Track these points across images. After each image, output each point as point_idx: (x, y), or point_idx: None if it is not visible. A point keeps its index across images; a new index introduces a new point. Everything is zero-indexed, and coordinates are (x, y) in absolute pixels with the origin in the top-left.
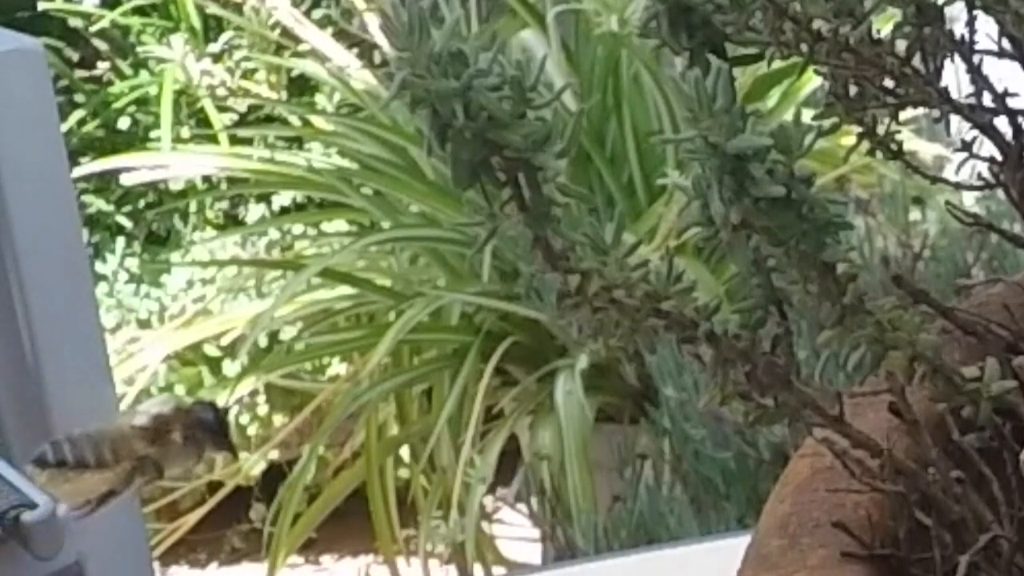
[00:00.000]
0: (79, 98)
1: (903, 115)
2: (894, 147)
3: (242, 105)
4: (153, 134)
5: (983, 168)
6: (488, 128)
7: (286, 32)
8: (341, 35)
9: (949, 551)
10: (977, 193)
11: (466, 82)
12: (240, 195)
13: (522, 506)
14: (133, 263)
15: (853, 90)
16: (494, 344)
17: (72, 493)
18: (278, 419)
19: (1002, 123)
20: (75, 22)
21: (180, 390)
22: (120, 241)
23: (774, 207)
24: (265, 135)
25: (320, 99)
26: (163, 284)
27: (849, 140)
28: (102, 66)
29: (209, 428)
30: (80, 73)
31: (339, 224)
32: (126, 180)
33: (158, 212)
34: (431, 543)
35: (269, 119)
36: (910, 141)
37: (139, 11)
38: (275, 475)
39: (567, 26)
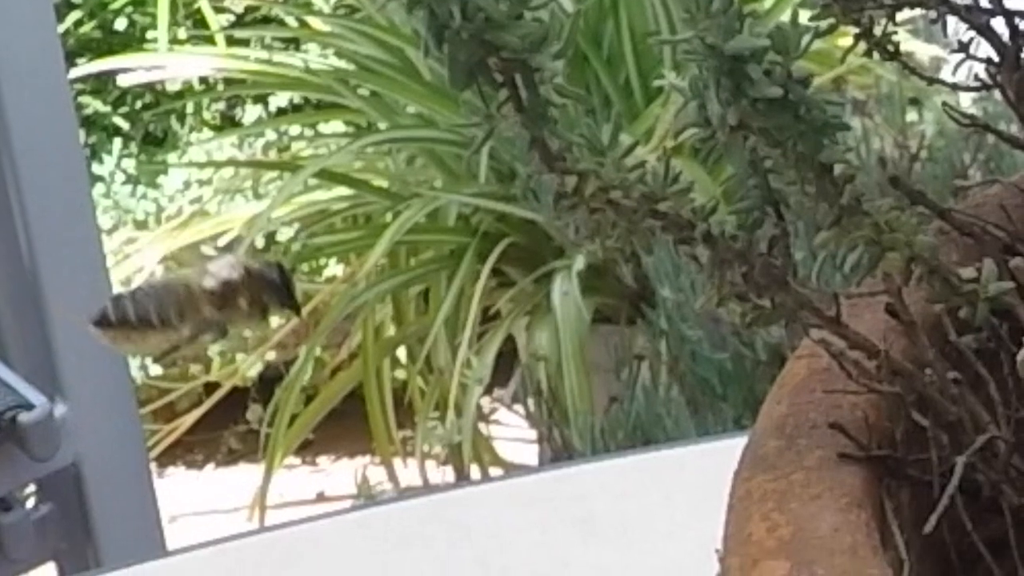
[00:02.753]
0: None
1: (900, 16)
2: (891, 48)
3: (239, 6)
4: (150, 35)
5: (980, 69)
6: (485, 29)
7: None
8: None
9: (946, 452)
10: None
11: None
12: (237, 96)
13: (519, 407)
14: (130, 164)
15: None
16: (491, 245)
17: (133, 350)
18: (275, 320)
19: (999, 24)
20: None
21: None
22: (117, 142)
23: (771, 108)
24: (262, 36)
25: (317, 0)
26: (160, 185)
27: (846, 41)
28: None
29: (275, 289)
30: None
31: (336, 125)
32: (123, 81)
33: (155, 113)
34: (428, 444)
35: (266, 20)
36: (907, 42)
37: None
38: (272, 376)
39: None
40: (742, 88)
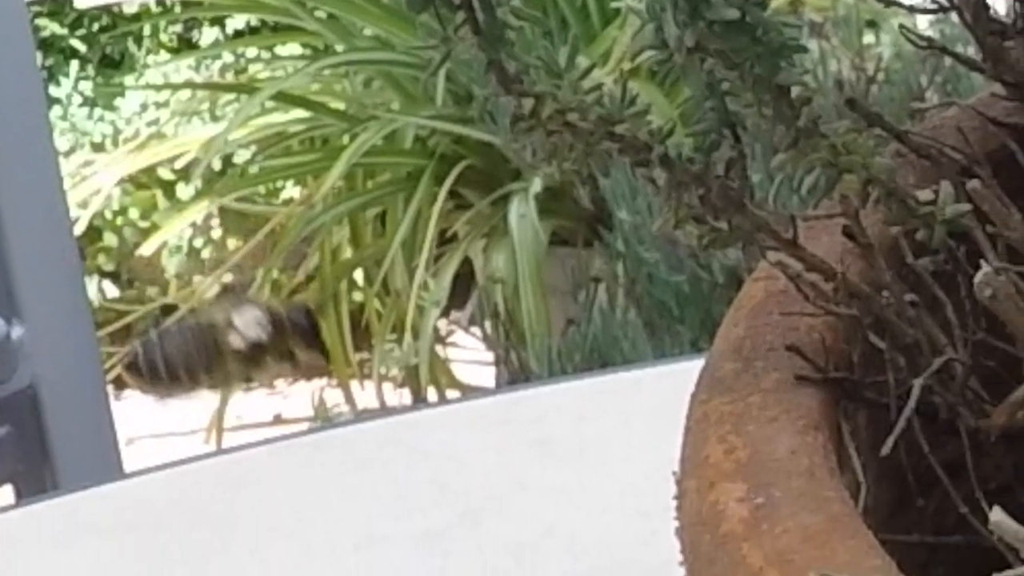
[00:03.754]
0: None
1: None
2: None
3: None
4: None
5: None
6: None
7: None
8: None
9: (903, 374)
10: (931, 16)
11: None
12: (194, 18)
13: (476, 330)
14: (87, 87)
15: None
16: (448, 167)
17: (162, 393)
18: (232, 242)
19: None
20: None
21: (134, 213)
22: (74, 64)
23: (728, 30)
24: None
25: None
26: (117, 107)
27: None
28: None
29: (303, 334)
30: None
31: (293, 47)
32: (80, 3)
33: (112, 36)
34: (385, 366)
35: None
36: None
37: None
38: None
39: None
40: (699, 10)
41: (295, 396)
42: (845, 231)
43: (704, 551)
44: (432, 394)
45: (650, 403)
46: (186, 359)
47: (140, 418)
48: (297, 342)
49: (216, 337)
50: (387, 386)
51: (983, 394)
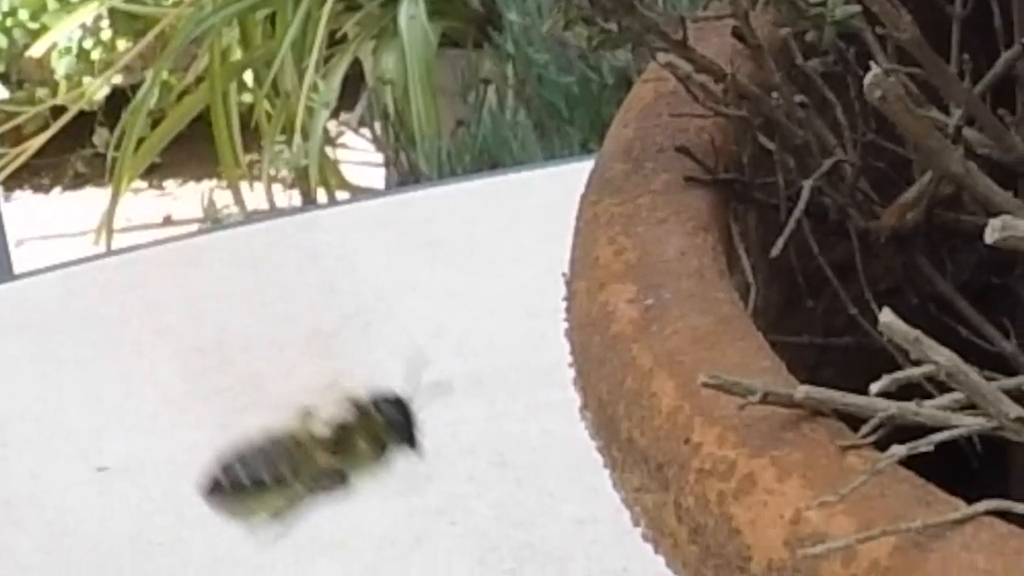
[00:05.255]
0: None
1: None
2: None
3: None
4: None
5: None
6: None
7: None
8: None
9: (792, 176)
10: None
11: None
12: None
13: (366, 131)
14: None
15: None
16: None
17: (249, 514)
18: (122, 44)
19: None
20: None
21: (23, 14)
22: None
23: None
24: None
25: None
26: None
27: None
28: None
29: (398, 428)
30: None
31: None
32: None
33: None
34: (274, 168)
35: None
36: None
37: None
38: (119, 100)
39: None
40: None
41: (185, 197)
42: (735, 32)
43: (594, 352)
44: (322, 195)
45: (539, 204)
46: (267, 460)
47: (29, 219)
48: (388, 433)
49: (295, 433)
50: (277, 187)
51: (873, 195)
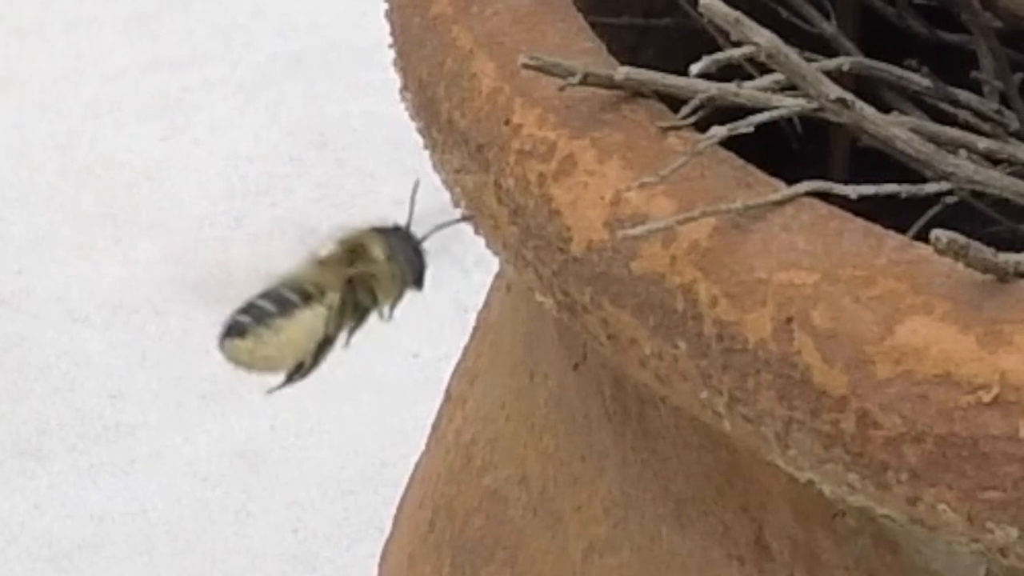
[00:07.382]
0: None
1: None
2: None
3: None
4: None
5: None
6: None
7: None
8: None
9: None
10: None
11: None
12: None
13: None
14: None
15: None
16: None
17: (284, 352)
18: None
19: None
20: None
21: None
22: None
23: None
24: None
25: None
26: None
27: None
28: None
29: (406, 251)
30: None
31: None
32: None
33: None
34: None
35: None
36: None
37: None
38: None
39: None
40: None
41: None
42: None
43: (414, 33)
44: None
45: None
46: (289, 284)
47: None
48: (404, 259)
49: (308, 259)
50: None
51: None
